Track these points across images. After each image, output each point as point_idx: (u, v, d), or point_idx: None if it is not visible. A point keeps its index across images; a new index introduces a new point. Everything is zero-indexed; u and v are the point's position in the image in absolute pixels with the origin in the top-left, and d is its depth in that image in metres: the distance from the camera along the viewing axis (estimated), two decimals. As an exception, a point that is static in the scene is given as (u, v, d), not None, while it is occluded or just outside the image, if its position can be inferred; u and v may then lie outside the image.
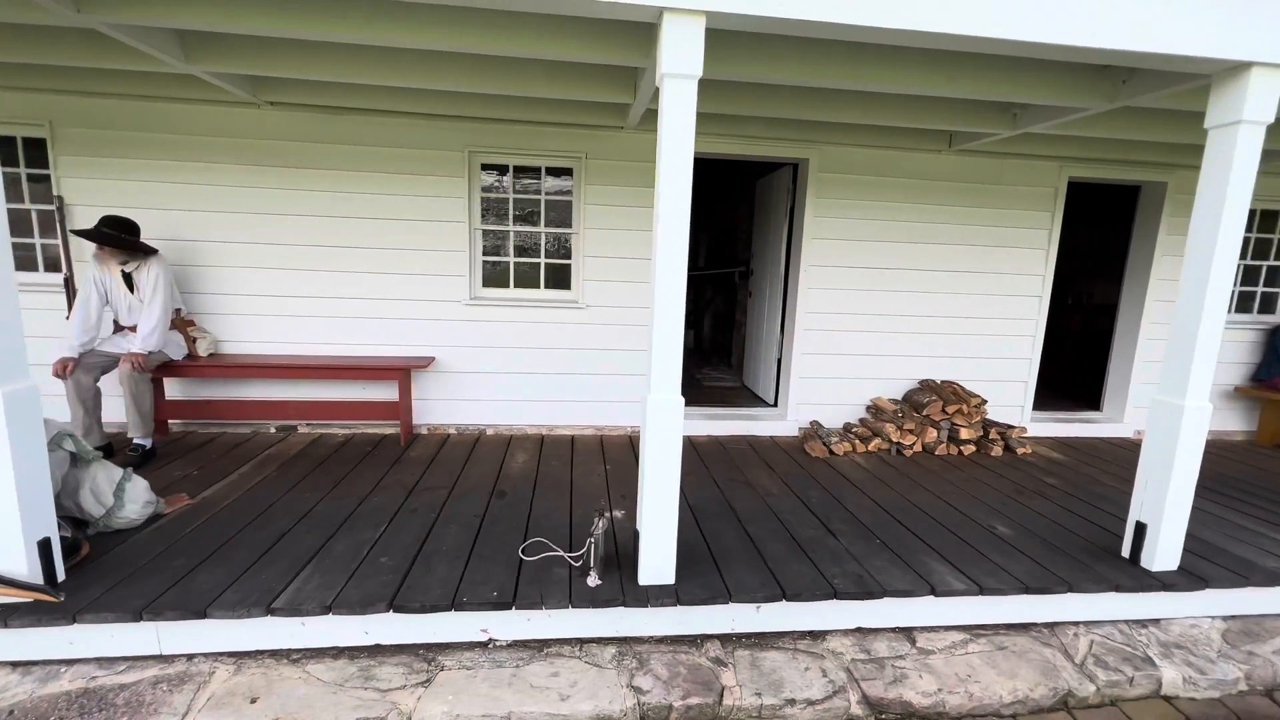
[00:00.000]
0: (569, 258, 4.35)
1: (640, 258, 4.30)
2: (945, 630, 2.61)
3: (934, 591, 2.53)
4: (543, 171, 4.23)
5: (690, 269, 8.38)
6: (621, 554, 2.67)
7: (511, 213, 4.27)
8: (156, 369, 3.65)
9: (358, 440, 4.09)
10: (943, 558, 2.79)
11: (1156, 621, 2.73)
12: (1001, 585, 2.57)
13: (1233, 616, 2.77)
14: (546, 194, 4.27)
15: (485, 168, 4.20)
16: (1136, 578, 2.68)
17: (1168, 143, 4.29)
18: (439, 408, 4.31)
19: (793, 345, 4.57)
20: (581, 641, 2.45)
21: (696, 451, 4.17)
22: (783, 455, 4.17)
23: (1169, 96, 2.91)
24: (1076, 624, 2.69)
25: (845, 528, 3.08)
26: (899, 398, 4.72)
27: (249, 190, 3.93)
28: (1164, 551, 2.72)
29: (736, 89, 3.53)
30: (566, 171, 4.23)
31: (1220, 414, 5.11)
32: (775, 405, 4.85)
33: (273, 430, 4.18)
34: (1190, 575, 2.72)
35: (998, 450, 4.37)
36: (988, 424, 4.53)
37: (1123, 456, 4.48)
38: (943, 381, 4.64)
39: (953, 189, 4.48)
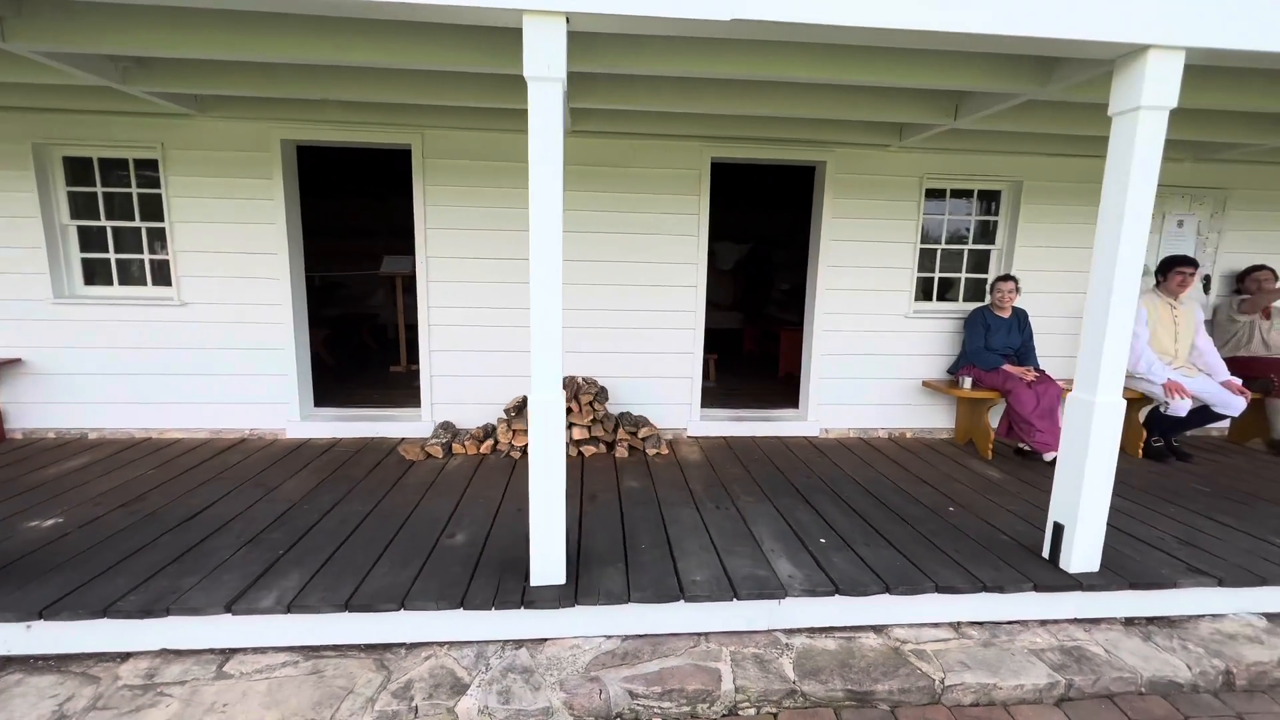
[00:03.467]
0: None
1: (244, 252, 4.09)
2: (276, 651, 2.35)
3: (230, 610, 2.27)
4: (131, 164, 4.05)
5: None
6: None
7: (101, 208, 4.09)
8: None
9: (-68, 446, 3.94)
10: (316, 571, 2.53)
11: (541, 642, 2.44)
12: (318, 603, 2.31)
13: (638, 635, 2.47)
14: (140, 188, 4.08)
15: (74, 161, 4.04)
16: (509, 593, 2.41)
17: (805, 118, 3.99)
18: (35, 411, 4.13)
19: (421, 342, 4.33)
20: None
21: (284, 455, 3.95)
22: (374, 459, 3.92)
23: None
24: (445, 644, 2.41)
25: (278, 537, 2.83)
26: (548, 396, 4.44)
27: None
28: (545, 564, 2.44)
29: (300, 71, 3.30)
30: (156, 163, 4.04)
31: (924, 410, 4.75)
32: (420, 405, 4.60)
33: None
34: (567, 590, 2.43)
35: (623, 451, 4.07)
36: (628, 423, 4.23)
37: (774, 457, 4.15)
38: (584, 379, 4.36)
39: (581, 173, 4.21)
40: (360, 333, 8.20)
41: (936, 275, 4.73)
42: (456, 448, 4.02)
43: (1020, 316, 4.37)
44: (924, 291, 4.74)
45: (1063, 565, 2.68)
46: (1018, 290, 4.27)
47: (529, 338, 4.29)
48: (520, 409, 4.14)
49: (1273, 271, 4.51)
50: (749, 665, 2.35)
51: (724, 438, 4.58)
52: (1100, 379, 2.53)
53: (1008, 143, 4.32)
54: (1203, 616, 2.75)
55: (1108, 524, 3.19)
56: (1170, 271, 4.19)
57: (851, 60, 2.83)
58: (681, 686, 2.23)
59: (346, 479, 3.57)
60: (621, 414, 4.44)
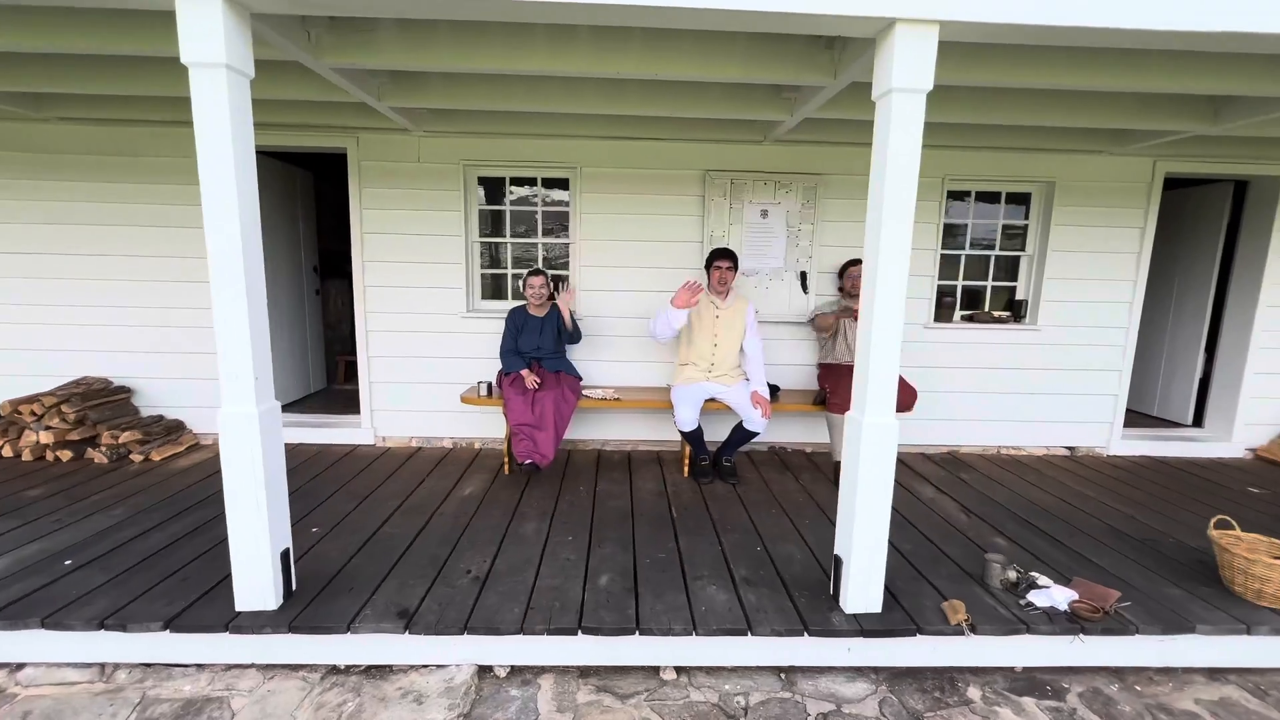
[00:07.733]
0: None
1: None
2: None
3: None
4: None
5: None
6: None
7: None
8: None
9: None
10: None
11: None
12: None
13: None
14: None
15: None
16: None
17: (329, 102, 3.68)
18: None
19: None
20: None
21: None
22: None
23: None
24: None
25: None
26: (75, 398, 4.22)
27: None
28: None
29: None
30: None
31: (497, 418, 4.36)
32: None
33: None
34: None
35: (102, 457, 3.82)
36: (121, 427, 3.96)
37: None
38: (95, 378, 4.13)
39: (78, 162, 3.97)
40: None
41: (509, 271, 4.34)
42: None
43: (557, 315, 3.94)
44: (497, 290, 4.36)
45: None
46: (549, 286, 3.87)
47: (48, 335, 4.18)
48: (-2, 411, 3.93)
49: (865, 267, 3.97)
50: None
51: (304, 444, 4.30)
52: (231, 386, 2.17)
53: (562, 125, 3.92)
54: (427, 666, 2.35)
55: (443, 556, 2.83)
56: (709, 267, 3.72)
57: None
58: None
59: None
60: (153, 418, 4.21)
